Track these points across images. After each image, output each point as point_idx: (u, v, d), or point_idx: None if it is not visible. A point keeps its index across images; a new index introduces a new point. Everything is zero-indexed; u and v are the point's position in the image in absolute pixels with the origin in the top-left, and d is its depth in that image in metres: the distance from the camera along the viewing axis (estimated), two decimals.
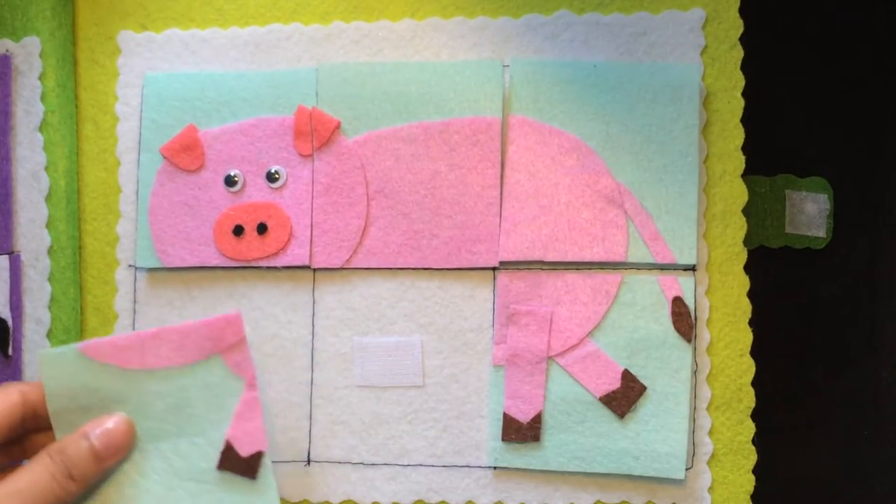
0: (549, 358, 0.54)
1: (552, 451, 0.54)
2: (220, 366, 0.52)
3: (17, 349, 0.58)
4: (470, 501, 0.55)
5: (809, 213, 0.59)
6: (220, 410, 0.52)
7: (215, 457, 0.52)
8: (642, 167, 0.55)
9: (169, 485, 0.52)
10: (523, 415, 0.54)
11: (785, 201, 0.59)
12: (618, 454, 0.54)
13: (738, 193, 0.55)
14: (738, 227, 0.55)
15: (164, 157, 0.58)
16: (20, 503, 0.47)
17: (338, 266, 0.56)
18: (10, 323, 0.58)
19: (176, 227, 0.57)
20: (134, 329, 0.56)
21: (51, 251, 0.58)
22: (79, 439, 0.50)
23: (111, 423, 0.51)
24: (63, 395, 0.51)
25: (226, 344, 0.52)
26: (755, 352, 0.54)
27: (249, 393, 0.52)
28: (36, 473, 0.48)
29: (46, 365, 0.51)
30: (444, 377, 0.56)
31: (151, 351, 0.52)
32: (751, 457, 0.54)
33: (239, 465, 0.52)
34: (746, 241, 0.55)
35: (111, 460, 0.51)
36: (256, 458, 0.52)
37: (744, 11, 0.55)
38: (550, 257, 0.55)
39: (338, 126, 0.56)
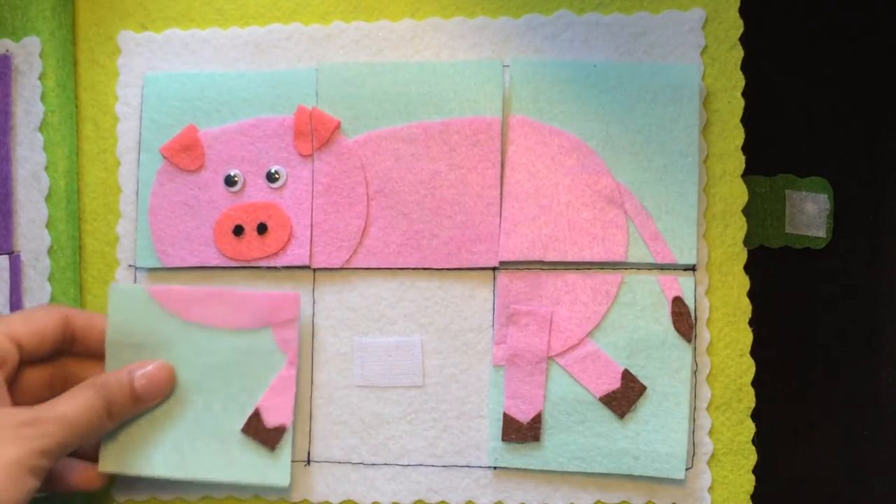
0: (549, 358, 0.54)
1: (552, 451, 0.54)
2: (269, 338, 0.55)
3: None
4: (470, 501, 0.55)
5: (809, 213, 0.59)
6: (258, 379, 0.55)
7: (242, 421, 0.55)
8: (642, 167, 0.55)
9: (193, 436, 0.55)
10: (523, 415, 0.54)
11: (785, 201, 0.59)
12: (618, 454, 0.54)
13: (738, 193, 0.55)
14: (737, 227, 0.55)
15: (164, 157, 0.58)
16: (65, 428, 0.50)
17: (338, 266, 0.56)
18: None
19: (176, 227, 0.57)
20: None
21: (51, 251, 0.58)
22: (122, 377, 0.53)
23: (154, 367, 0.54)
24: (122, 329, 0.55)
25: (279, 319, 0.55)
26: (755, 352, 0.54)
27: (288, 370, 0.55)
28: (80, 403, 0.51)
29: (115, 297, 0.55)
30: (444, 377, 0.56)
31: (211, 308, 0.55)
32: (751, 457, 0.54)
33: (261, 433, 0.55)
34: (746, 241, 0.55)
35: (148, 403, 0.54)
36: (279, 431, 0.55)
37: (744, 11, 0.55)
38: (550, 257, 0.55)
39: (338, 126, 0.56)
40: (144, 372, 0.54)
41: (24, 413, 0.49)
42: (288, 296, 0.55)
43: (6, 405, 0.50)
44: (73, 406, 0.50)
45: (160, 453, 0.55)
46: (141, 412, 0.55)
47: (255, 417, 0.55)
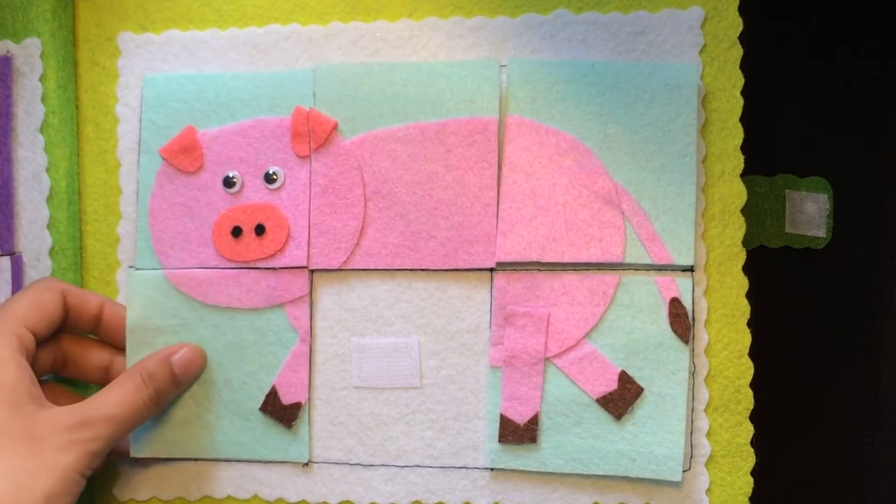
0: (546, 359, 0.54)
1: (549, 452, 0.54)
2: (283, 317, 0.56)
3: None
4: (467, 503, 0.55)
5: (809, 213, 0.59)
6: (273, 357, 0.56)
7: (260, 399, 0.56)
8: (640, 167, 0.54)
9: (218, 415, 0.57)
10: (520, 416, 0.54)
11: (785, 201, 0.59)
12: (615, 456, 0.54)
13: (737, 193, 0.54)
14: (736, 228, 0.54)
15: (164, 159, 0.58)
16: (116, 427, 0.51)
17: (335, 267, 0.56)
18: None
19: (175, 228, 0.57)
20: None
21: (52, 252, 0.58)
22: (164, 364, 0.54)
23: (187, 350, 0.55)
24: (142, 314, 0.57)
25: (291, 297, 0.56)
26: (754, 352, 0.54)
27: (301, 347, 0.56)
28: (130, 398, 0.52)
29: (134, 282, 0.57)
30: (441, 378, 0.56)
31: (227, 289, 0.57)
32: (749, 459, 0.54)
33: (278, 411, 0.56)
34: (746, 242, 0.54)
35: (184, 386, 0.56)
36: (295, 408, 0.56)
37: (743, 10, 0.55)
38: (547, 258, 0.54)
39: (335, 127, 0.56)
40: (181, 356, 0.55)
41: (73, 414, 0.49)
42: (297, 272, 0.56)
43: (47, 404, 0.50)
44: (123, 402, 0.51)
45: (189, 435, 0.57)
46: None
47: (272, 395, 0.56)
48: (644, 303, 0.54)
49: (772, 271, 0.58)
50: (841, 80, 0.60)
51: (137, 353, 0.56)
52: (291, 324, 0.56)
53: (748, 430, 0.54)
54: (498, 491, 0.55)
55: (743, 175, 0.54)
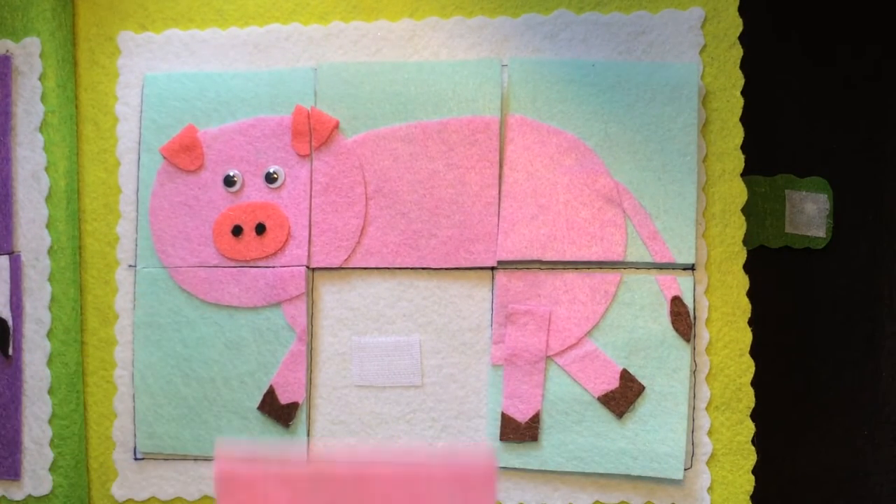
0: (548, 357, 0.54)
1: (550, 451, 0.54)
2: (280, 315, 0.56)
3: (18, 349, 0.58)
4: None
5: (809, 213, 0.59)
6: (271, 356, 0.56)
7: (258, 398, 0.56)
8: (641, 166, 0.55)
9: (218, 415, 0.57)
10: (521, 414, 0.54)
11: (785, 201, 0.59)
12: (616, 454, 0.54)
13: (738, 193, 0.55)
14: (737, 227, 0.55)
15: (164, 158, 0.58)
16: None
17: (336, 266, 0.56)
18: (10, 323, 0.58)
19: (176, 227, 0.57)
20: (133, 328, 0.57)
21: (51, 251, 0.58)
22: None
23: None
24: (148, 311, 0.57)
25: (288, 295, 0.56)
26: (755, 351, 0.54)
27: (298, 346, 0.56)
28: None
29: (142, 281, 0.58)
30: (442, 377, 0.56)
31: (226, 288, 0.57)
32: (750, 457, 0.54)
33: (275, 410, 0.56)
34: (746, 241, 0.55)
35: None
36: (292, 408, 0.56)
37: (743, 10, 0.55)
38: (549, 257, 0.54)
39: (336, 125, 0.56)
40: None
41: None
42: (294, 271, 0.56)
43: None
44: None
45: (191, 432, 0.57)
46: (171, 392, 0.57)
47: (270, 395, 0.56)
48: (645, 301, 0.54)
49: (772, 271, 0.59)
50: (840, 80, 0.61)
51: (144, 351, 0.57)
52: (288, 322, 0.56)
53: (749, 428, 0.54)
54: (499, 489, 0.55)
55: (743, 175, 0.55)
